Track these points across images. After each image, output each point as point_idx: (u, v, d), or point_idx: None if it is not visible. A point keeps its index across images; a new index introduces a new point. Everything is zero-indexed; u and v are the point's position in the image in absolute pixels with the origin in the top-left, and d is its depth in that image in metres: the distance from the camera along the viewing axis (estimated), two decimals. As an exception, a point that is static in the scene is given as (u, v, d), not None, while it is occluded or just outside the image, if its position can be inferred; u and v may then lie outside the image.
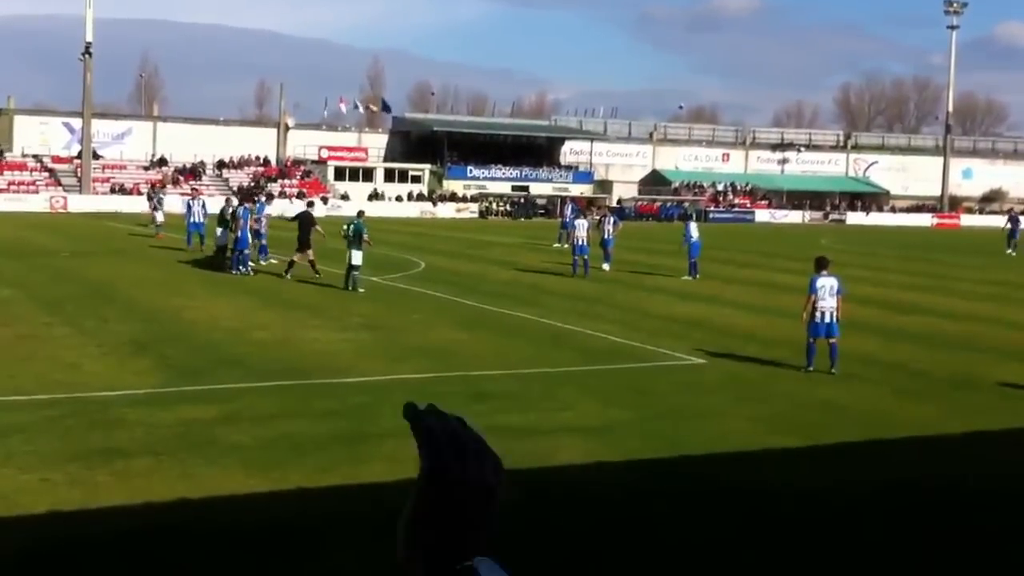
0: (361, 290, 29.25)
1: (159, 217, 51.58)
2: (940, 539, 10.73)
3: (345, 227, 30.41)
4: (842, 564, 9.93)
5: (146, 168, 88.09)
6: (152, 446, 12.93)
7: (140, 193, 75.77)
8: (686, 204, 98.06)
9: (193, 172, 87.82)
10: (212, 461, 12.40)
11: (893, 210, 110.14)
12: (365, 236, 29.84)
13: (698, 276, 35.46)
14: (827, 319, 19.00)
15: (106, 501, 10.91)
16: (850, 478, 12.88)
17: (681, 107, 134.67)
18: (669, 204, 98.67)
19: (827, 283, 19.15)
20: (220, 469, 12.10)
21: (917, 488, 12.44)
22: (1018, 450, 14.87)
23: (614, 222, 40.89)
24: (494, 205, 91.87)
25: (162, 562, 9.36)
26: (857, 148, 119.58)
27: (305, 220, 32.68)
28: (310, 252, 31.94)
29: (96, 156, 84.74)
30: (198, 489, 11.36)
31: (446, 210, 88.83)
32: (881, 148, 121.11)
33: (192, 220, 42.61)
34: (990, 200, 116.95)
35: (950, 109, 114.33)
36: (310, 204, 38.26)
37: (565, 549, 10.03)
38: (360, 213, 32.09)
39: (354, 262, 29.59)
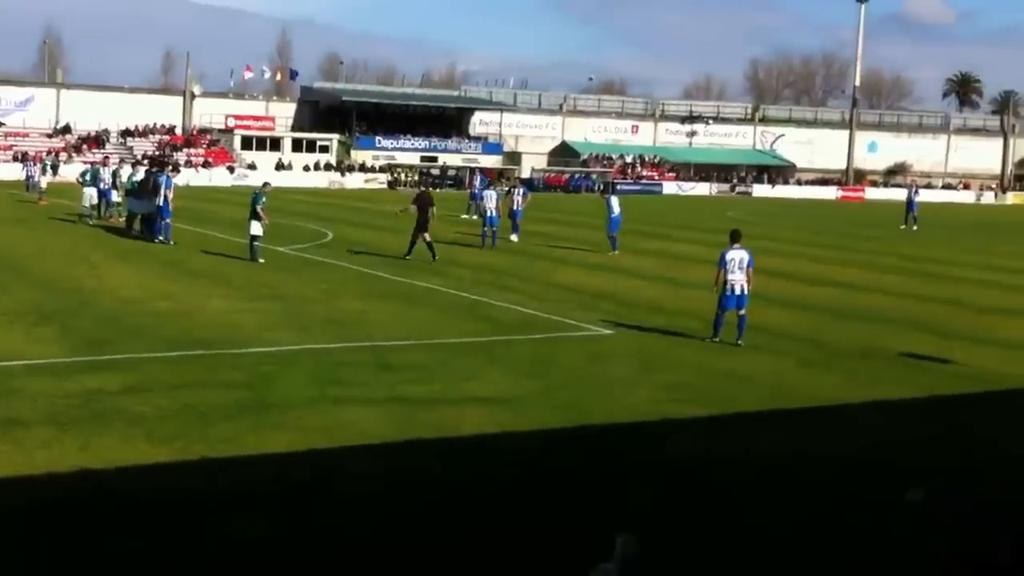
0: (261, 260, 28.93)
1: (42, 183, 50.93)
2: (841, 505, 10.98)
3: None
4: (745, 531, 10.11)
5: (49, 136, 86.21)
6: (54, 416, 12.73)
7: (42, 161, 74.16)
8: (594, 176, 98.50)
9: (97, 140, 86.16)
10: (115, 432, 12.24)
11: (799, 183, 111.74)
12: (259, 208, 29.16)
13: (617, 252, 35.13)
14: (737, 291, 19.24)
15: (5, 471, 10.72)
16: (753, 446, 13.11)
17: (591, 79, 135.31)
18: (578, 176, 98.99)
19: (737, 256, 19.38)
20: (123, 440, 11.96)
21: (817, 456, 12.70)
22: (917, 418, 15.23)
23: (523, 193, 40.95)
24: (403, 176, 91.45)
25: (63, 532, 9.24)
26: (765, 121, 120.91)
27: (424, 202, 31.42)
28: (427, 234, 30.89)
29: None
30: (101, 459, 11.22)
31: (355, 180, 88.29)
32: (788, 121, 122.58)
33: (102, 188, 41.83)
34: (894, 173, 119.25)
35: (857, 83, 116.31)
36: (422, 186, 37.31)
37: (476, 517, 10.10)
38: (265, 184, 31.56)
39: (253, 232, 29.25)
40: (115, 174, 41.99)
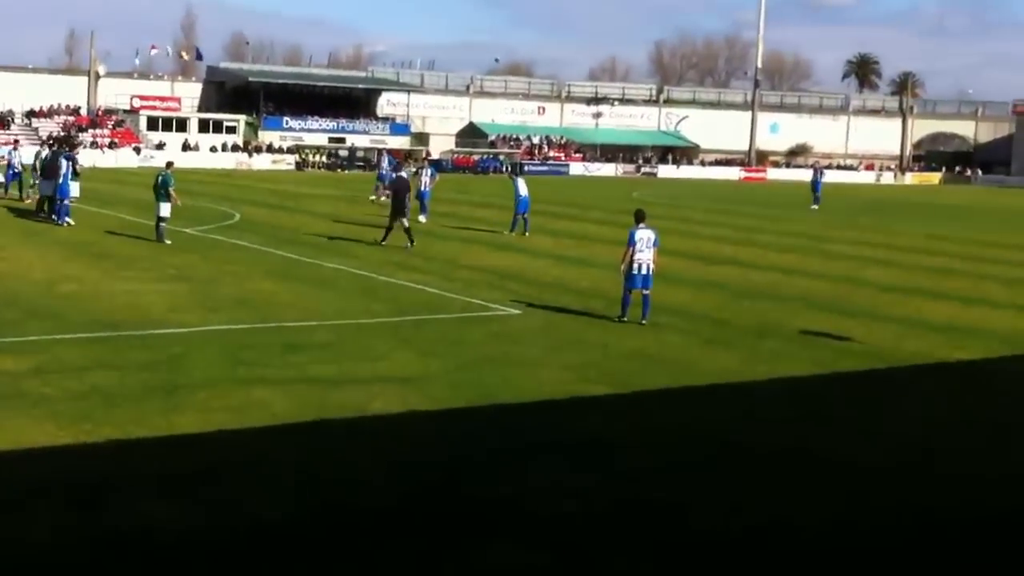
0: (168, 241, 28.65)
1: None
2: (742, 481, 11.29)
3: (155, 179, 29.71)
4: (644, 508, 10.36)
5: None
6: (-45, 400, 12.60)
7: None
8: (502, 157, 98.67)
9: (2, 121, 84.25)
10: (21, 413, 12.15)
11: (703, 163, 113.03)
12: (171, 190, 29.01)
13: (528, 233, 35.11)
14: (644, 271, 19.53)
15: (-93, 457, 10.63)
16: (656, 423, 13.41)
17: (497, 60, 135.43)
18: (486, 157, 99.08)
19: (645, 235, 19.68)
20: (29, 421, 11.88)
21: (716, 435, 13.03)
22: (814, 395, 15.64)
23: (431, 174, 41.01)
24: (311, 157, 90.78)
25: (-31, 516, 9.21)
26: (669, 103, 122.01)
27: (401, 187, 30.80)
28: (405, 220, 30.36)
29: None
30: (5, 441, 11.13)
31: (262, 161, 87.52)
32: (692, 103, 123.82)
33: (12, 171, 41.15)
34: (796, 154, 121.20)
35: (759, 65, 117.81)
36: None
37: (383, 495, 10.23)
38: (169, 164, 31.12)
39: (161, 214, 29.02)
40: (36, 155, 41.27)
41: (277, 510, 9.67)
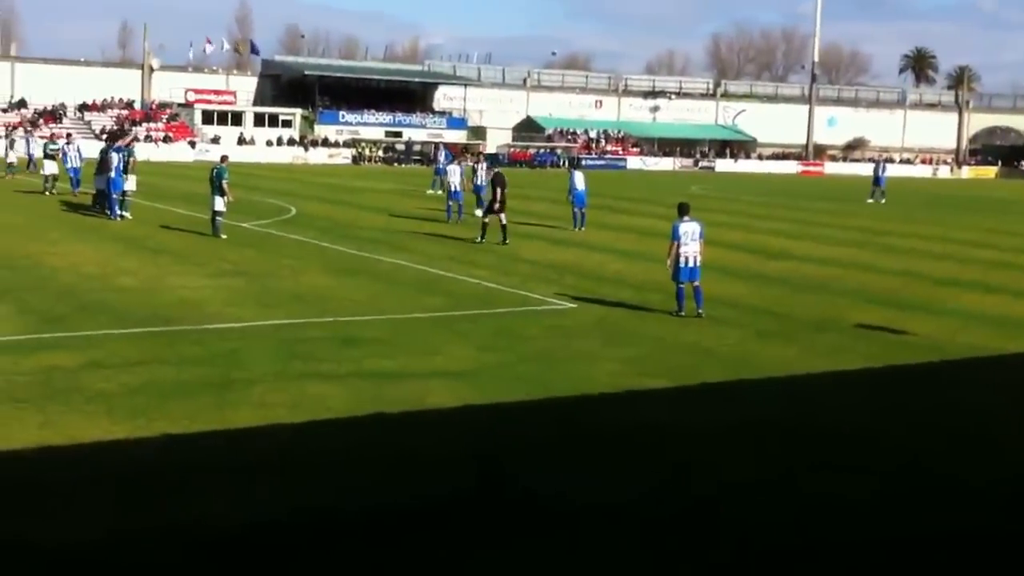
0: (223, 236, 28.74)
1: (10, 157, 50.36)
2: (800, 473, 11.08)
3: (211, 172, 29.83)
4: (699, 500, 10.19)
5: (4, 110, 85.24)
6: (12, 393, 12.63)
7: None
8: (559, 151, 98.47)
9: (54, 115, 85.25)
10: (75, 408, 12.17)
11: (760, 157, 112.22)
12: (225, 184, 28.97)
13: (583, 228, 34.90)
14: (691, 263, 19.35)
15: (-36, 449, 10.66)
16: (712, 417, 13.21)
17: (554, 54, 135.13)
18: (543, 151, 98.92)
19: (689, 228, 19.48)
20: (84, 416, 11.89)
21: (776, 426, 12.81)
22: (870, 387, 15.38)
23: (486, 168, 40.92)
24: (367, 151, 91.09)
25: (19, 509, 9.19)
26: (726, 96, 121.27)
27: (499, 182, 30.66)
28: (503, 216, 30.21)
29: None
30: (60, 436, 11.15)
31: (318, 156, 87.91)
32: (749, 96, 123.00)
33: (69, 165, 41.43)
34: (853, 148, 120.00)
35: (816, 59, 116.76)
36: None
37: (441, 487, 10.12)
38: (223, 158, 31.14)
39: (216, 207, 29.07)
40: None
41: (334, 502, 9.58)
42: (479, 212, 38.17)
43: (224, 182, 28.94)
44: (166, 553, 8.47)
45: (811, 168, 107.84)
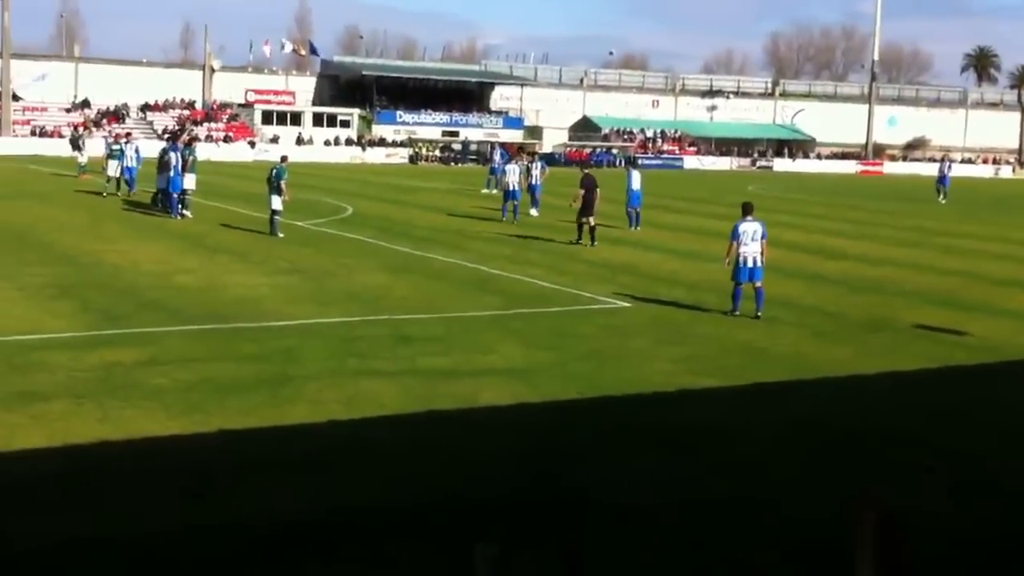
0: (281, 235, 29.06)
1: (81, 159, 50.85)
2: (853, 474, 11.01)
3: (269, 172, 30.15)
4: (755, 500, 10.16)
5: (68, 110, 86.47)
6: (72, 389, 12.86)
7: (62, 136, 74.33)
8: (616, 151, 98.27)
9: (116, 115, 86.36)
10: (133, 404, 12.36)
11: (819, 157, 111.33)
12: (283, 183, 29.30)
13: (639, 227, 34.84)
14: (751, 263, 19.25)
15: (25, 443, 10.85)
16: (765, 416, 13.17)
17: (611, 53, 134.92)
18: (599, 151, 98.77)
19: (751, 228, 19.39)
20: (141, 411, 12.08)
21: (829, 426, 12.74)
22: (926, 388, 15.25)
23: (541, 167, 40.95)
24: (424, 150, 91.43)
25: (79, 503, 9.36)
26: (785, 95, 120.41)
27: (589, 185, 30.39)
28: (591, 218, 30.14)
29: (16, 98, 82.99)
30: (119, 431, 11.35)
31: (375, 155, 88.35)
32: (808, 95, 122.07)
33: (126, 165, 41.81)
34: (913, 148, 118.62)
35: (876, 57, 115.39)
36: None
37: (492, 485, 10.17)
38: (283, 158, 31.55)
39: (274, 206, 29.40)
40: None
41: (386, 498, 9.66)
42: (534, 212, 38.25)
43: (282, 182, 29.28)
44: (221, 546, 8.60)
45: (870, 168, 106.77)
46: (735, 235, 19.34)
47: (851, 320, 19.88)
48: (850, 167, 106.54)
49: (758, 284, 19.36)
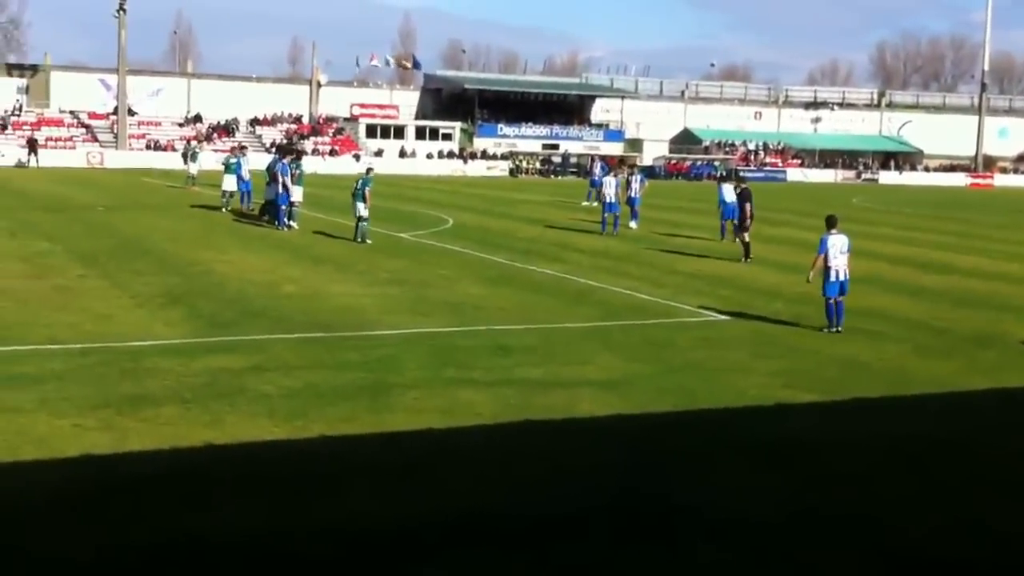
0: (369, 241, 30.21)
1: (192, 170, 52.02)
2: (958, 492, 10.88)
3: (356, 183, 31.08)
4: (855, 516, 10.09)
5: (181, 125, 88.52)
6: (181, 394, 13.24)
7: (175, 149, 76.03)
8: (717, 163, 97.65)
9: (227, 129, 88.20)
10: (239, 409, 12.69)
11: (927, 169, 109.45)
12: (367, 192, 30.60)
13: (735, 239, 34.56)
14: (840, 277, 19.04)
15: (135, 446, 11.21)
16: (866, 432, 13.04)
17: (713, 65, 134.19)
18: (700, 163, 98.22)
19: (838, 241, 19.19)
20: (246, 417, 12.40)
21: (933, 443, 12.58)
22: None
23: (640, 180, 40.92)
24: (524, 163, 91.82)
25: (187, 504, 9.65)
26: (891, 107, 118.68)
27: (745, 196, 30.38)
28: (746, 234, 30.10)
29: (132, 113, 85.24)
30: (224, 435, 11.66)
31: (476, 168, 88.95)
32: (916, 107, 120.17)
33: (242, 178, 42.38)
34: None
35: (986, 67, 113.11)
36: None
37: (585, 495, 10.26)
38: (369, 170, 32.91)
39: (360, 214, 30.63)
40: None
41: (480, 506, 9.80)
42: (634, 224, 38.23)
43: (368, 190, 30.66)
44: (321, 548, 8.81)
45: (980, 180, 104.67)
46: (823, 248, 19.16)
47: (957, 335, 19.54)
48: (959, 180, 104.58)
49: (841, 299, 19.12)
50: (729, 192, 35.09)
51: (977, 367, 16.94)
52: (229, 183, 41.08)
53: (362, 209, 30.51)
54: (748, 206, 29.98)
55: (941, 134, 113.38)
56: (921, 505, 10.42)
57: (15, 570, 8.29)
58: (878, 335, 18.95)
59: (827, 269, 19.02)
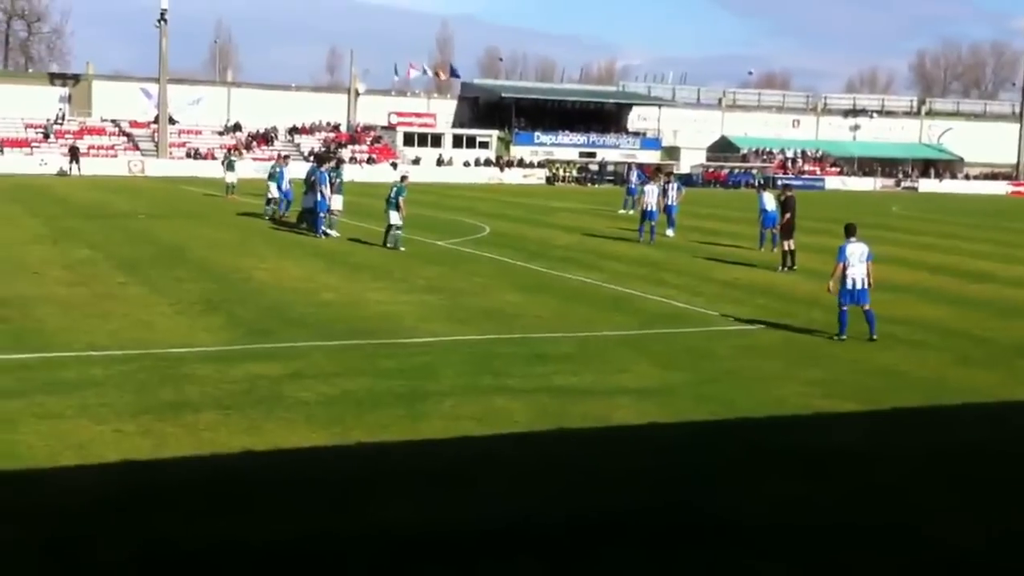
0: (402, 248, 30.48)
1: (229, 179, 52.38)
2: (998, 504, 10.79)
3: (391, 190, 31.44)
4: (894, 526, 10.03)
5: (220, 133, 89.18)
6: (220, 400, 13.33)
7: (215, 158, 76.62)
8: (755, 171, 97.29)
9: (266, 137, 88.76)
10: (277, 416, 12.76)
11: (967, 177, 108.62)
12: (402, 200, 30.87)
13: (773, 248, 34.33)
14: (858, 285, 18.90)
15: (175, 451, 11.30)
16: (905, 442, 12.96)
17: (751, 73, 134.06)
18: (737, 171, 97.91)
19: (857, 250, 19.07)
20: (284, 423, 12.46)
21: (972, 453, 12.48)
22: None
23: (677, 188, 40.88)
24: (561, 171, 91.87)
25: (226, 509, 9.72)
26: (931, 114, 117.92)
27: (788, 205, 30.45)
28: (790, 242, 29.99)
29: (172, 121, 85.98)
30: (263, 442, 11.73)
31: (513, 176, 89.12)
32: (956, 114, 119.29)
33: (283, 187, 42.58)
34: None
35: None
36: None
37: (622, 504, 10.25)
38: (403, 178, 33.10)
39: (392, 221, 30.95)
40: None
41: (516, 513, 9.81)
42: (671, 232, 38.17)
43: (402, 199, 30.90)
44: (358, 555, 8.85)
45: (1022, 189, 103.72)
46: (841, 256, 19.05)
47: (999, 345, 19.37)
48: (1000, 188, 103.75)
49: (866, 307, 18.99)
50: (770, 200, 34.85)
51: (1019, 377, 16.78)
52: (273, 192, 41.34)
53: (395, 217, 30.79)
54: (789, 215, 29.84)
55: (981, 142, 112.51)
56: (961, 516, 10.33)
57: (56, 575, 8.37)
58: (918, 344, 18.82)
59: (844, 277, 18.91)
